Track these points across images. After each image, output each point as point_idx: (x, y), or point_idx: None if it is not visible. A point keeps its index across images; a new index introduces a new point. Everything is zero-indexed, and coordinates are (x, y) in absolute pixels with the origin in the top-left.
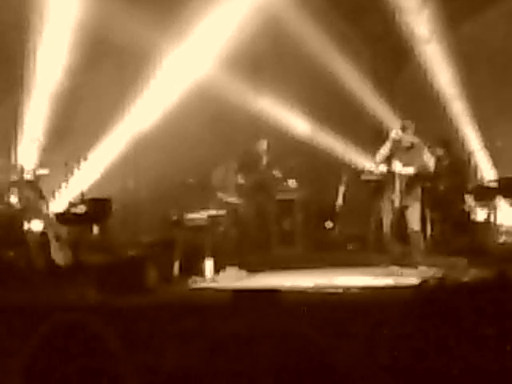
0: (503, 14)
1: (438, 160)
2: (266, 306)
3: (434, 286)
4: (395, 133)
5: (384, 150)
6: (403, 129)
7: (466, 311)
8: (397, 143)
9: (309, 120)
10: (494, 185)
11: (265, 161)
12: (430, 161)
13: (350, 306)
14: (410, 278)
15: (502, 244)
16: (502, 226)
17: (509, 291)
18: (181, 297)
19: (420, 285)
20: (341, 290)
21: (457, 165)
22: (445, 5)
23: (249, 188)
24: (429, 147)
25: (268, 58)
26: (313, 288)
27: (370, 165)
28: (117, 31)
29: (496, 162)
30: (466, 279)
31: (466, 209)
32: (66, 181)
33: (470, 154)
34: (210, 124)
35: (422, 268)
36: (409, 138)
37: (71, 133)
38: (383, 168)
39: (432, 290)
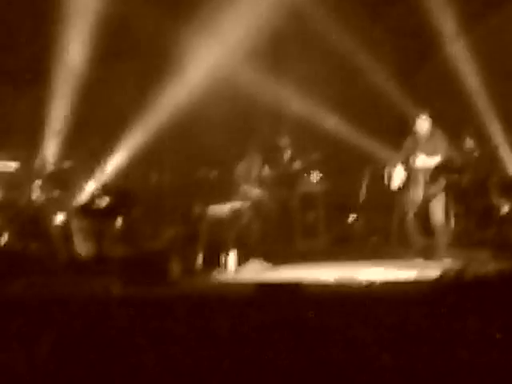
0: None
1: (467, 152)
2: (288, 299)
3: (455, 277)
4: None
5: (402, 154)
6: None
7: (486, 303)
8: (416, 138)
9: (332, 112)
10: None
11: (288, 153)
12: (453, 152)
13: (371, 299)
14: (433, 270)
15: None
16: None
17: None
18: (204, 289)
19: (441, 277)
20: (363, 284)
21: (483, 157)
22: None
23: (272, 181)
24: (458, 139)
25: (291, 49)
26: (335, 281)
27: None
28: (139, 21)
29: None
30: (487, 272)
31: (491, 202)
32: (91, 173)
33: (495, 148)
34: (234, 116)
35: (446, 260)
36: (425, 129)
37: (96, 125)
38: (407, 162)
39: (453, 282)
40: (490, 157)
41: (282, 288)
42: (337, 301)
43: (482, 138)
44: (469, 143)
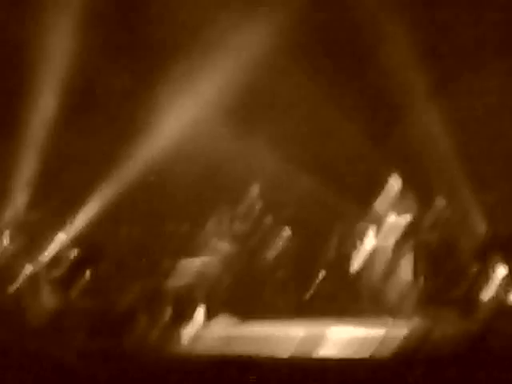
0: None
1: (436, 212)
2: (241, 373)
3: (422, 337)
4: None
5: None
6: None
7: (451, 362)
8: (387, 198)
9: (302, 170)
10: (486, 241)
11: (258, 208)
12: (423, 211)
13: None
14: (400, 329)
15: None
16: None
17: (493, 343)
18: (158, 362)
19: (408, 336)
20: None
21: (454, 218)
22: (442, 61)
23: (242, 235)
24: (427, 199)
25: (262, 106)
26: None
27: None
28: (110, 78)
29: (490, 218)
30: (453, 332)
31: (460, 263)
32: (60, 224)
33: (466, 209)
34: (203, 171)
35: (413, 320)
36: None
37: (67, 177)
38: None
39: (419, 341)
40: (461, 218)
41: (235, 361)
42: (291, 376)
43: (453, 199)
44: (439, 203)
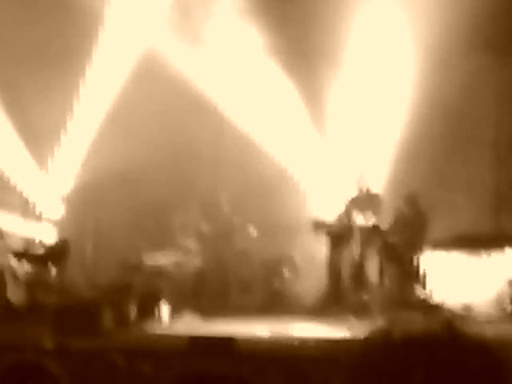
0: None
1: (401, 214)
2: (221, 353)
3: (383, 337)
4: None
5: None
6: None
7: (413, 362)
8: (356, 196)
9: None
10: (450, 239)
11: (226, 208)
12: (389, 212)
13: (304, 355)
14: (364, 329)
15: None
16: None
17: (455, 344)
18: (136, 340)
19: (370, 335)
20: (296, 342)
21: (420, 220)
22: None
23: (209, 234)
24: (392, 200)
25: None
26: (269, 336)
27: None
28: None
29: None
30: (416, 331)
31: (423, 264)
32: (26, 219)
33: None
34: (172, 167)
35: (378, 320)
36: (367, 186)
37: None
38: (344, 219)
39: (381, 341)
40: (425, 218)
41: (215, 342)
42: (270, 356)
43: (417, 200)
44: (404, 204)
